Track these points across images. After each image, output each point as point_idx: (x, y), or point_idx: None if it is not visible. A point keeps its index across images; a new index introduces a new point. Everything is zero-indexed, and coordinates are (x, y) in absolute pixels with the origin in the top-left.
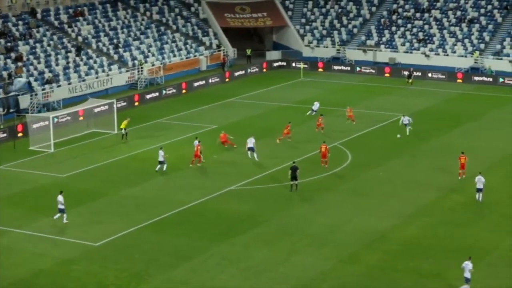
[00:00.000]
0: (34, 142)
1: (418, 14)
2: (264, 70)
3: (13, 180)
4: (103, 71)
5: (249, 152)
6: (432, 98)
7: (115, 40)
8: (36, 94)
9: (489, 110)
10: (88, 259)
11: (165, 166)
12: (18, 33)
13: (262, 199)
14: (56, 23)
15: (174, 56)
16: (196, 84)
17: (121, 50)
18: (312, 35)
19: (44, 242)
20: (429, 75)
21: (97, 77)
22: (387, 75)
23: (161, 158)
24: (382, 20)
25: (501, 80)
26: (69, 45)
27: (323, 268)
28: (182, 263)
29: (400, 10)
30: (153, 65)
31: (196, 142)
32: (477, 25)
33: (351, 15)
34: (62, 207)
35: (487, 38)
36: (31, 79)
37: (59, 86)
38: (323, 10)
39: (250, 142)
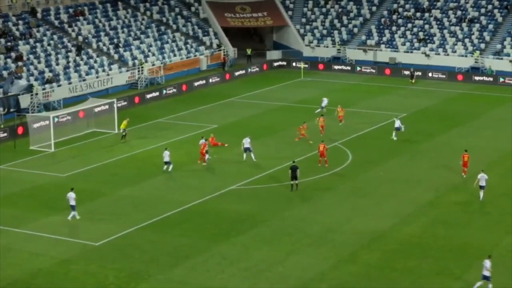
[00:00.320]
0: (35, 142)
1: (418, 14)
2: (265, 69)
3: (13, 180)
4: (104, 70)
5: (245, 154)
6: (432, 98)
7: (115, 40)
8: (36, 94)
9: (489, 110)
10: (87, 259)
11: (171, 167)
12: (18, 33)
13: (262, 199)
14: (56, 22)
15: (175, 55)
16: (196, 83)
17: (121, 49)
18: (312, 34)
19: (43, 242)
20: (430, 74)
21: (97, 77)
22: (387, 74)
23: (167, 159)
24: (383, 19)
25: (501, 79)
26: (70, 44)
27: (322, 268)
28: (182, 263)
29: (400, 9)
30: (153, 64)
31: (203, 140)
32: (477, 25)
33: (352, 14)
34: (73, 203)
35: (487, 38)
36: (31, 78)
37: (59, 85)
38: (323, 9)
39: (246, 143)
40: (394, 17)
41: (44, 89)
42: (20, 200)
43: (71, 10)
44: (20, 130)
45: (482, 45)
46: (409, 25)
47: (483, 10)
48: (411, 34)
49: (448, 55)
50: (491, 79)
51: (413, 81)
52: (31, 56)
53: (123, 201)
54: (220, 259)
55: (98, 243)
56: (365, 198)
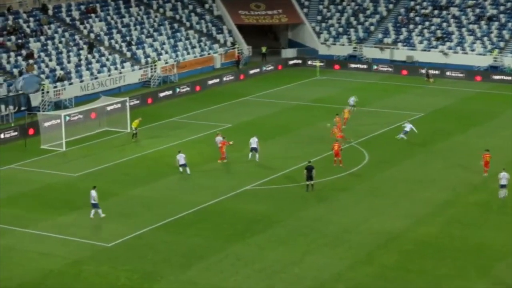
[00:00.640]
0: (46, 141)
1: (436, 12)
2: (279, 68)
3: (23, 180)
4: (116, 68)
5: (250, 154)
6: (449, 97)
7: (128, 37)
8: (47, 92)
9: (508, 109)
10: (99, 260)
11: (188, 169)
12: (29, 30)
13: (277, 199)
14: (67, 19)
15: (188, 53)
16: (210, 82)
17: (134, 47)
18: (328, 32)
19: (53, 243)
20: (447, 73)
21: (109, 75)
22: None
23: (182, 161)
24: (399, 17)
25: None
26: (81, 42)
27: (338, 269)
28: (195, 264)
29: (417, 7)
30: (166, 62)
31: (220, 138)
32: (496, 23)
33: (368, 12)
34: (95, 202)
35: (506, 36)
36: (42, 76)
37: (71, 84)
38: (339, 7)
39: (254, 142)
40: (411, 14)
41: (55, 87)
42: (31, 200)
43: (82, 7)
44: (31, 129)
45: (501, 44)
46: (427, 23)
47: (502, 8)
48: (428, 32)
49: (466, 53)
50: (510, 78)
51: (431, 80)
52: (42, 54)
53: (135, 201)
54: (235, 260)
55: (110, 243)
56: (381, 198)
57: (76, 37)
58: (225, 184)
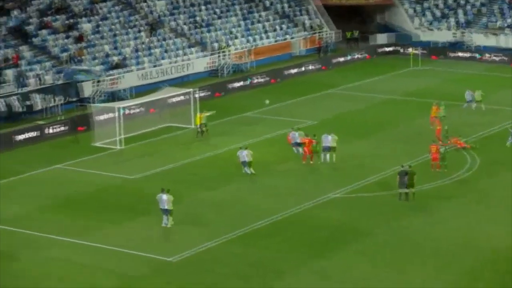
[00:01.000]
0: (99, 137)
1: None
2: (369, 56)
3: (73, 182)
4: (181, 54)
5: (322, 154)
6: None
7: (194, 19)
8: (101, 81)
9: None
10: (160, 276)
11: (249, 169)
12: (79, 9)
13: (367, 208)
14: None
15: (265, 38)
16: (288, 71)
17: (201, 30)
18: (424, 15)
19: (108, 256)
20: None
21: (172, 62)
22: None
23: (246, 158)
24: None
25: None
26: (140, 23)
27: None
28: (271, 281)
29: None
30: (238, 48)
31: (297, 133)
32: None
33: None
34: (168, 207)
35: None
36: (95, 62)
37: (128, 71)
38: None
39: (328, 141)
40: None
41: (110, 75)
42: (81, 205)
43: None
44: (82, 123)
45: None
46: None
47: None
48: None
49: None
50: None
51: None
52: (95, 37)
53: (202, 209)
54: (317, 276)
55: (172, 257)
56: (490, 209)
57: (135, 17)
58: (307, 190)
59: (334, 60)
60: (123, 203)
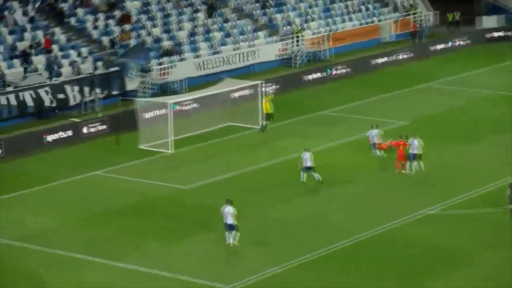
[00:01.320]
0: (146, 139)
1: None
2: (474, 43)
3: (115, 191)
4: (245, 40)
5: (408, 164)
6: None
7: None
8: (149, 71)
9: None
10: None
11: (316, 175)
12: None
13: (470, 228)
14: None
15: (347, 20)
16: (375, 61)
17: (270, 10)
18: None
19: (153, 281)
20: None
21: (235, 49)
22: None
23: (308, 163)
24: None
25: None
26: (198, 2)
27: None
28: None
29: None
30: (315, 33)
31: (376, 131)
32: None
33: None
34: (232, 222)
35: None
36: None
37: (182, 59)
38: None
39: (415, 146)
40: None
41: (160, 64)
42: (124, 220)
43: None
44: (125, 121)
45: None
46: None
47: None
48: None
49: None
50: None
51: None
52: (142, 17)
53: (269, 227)
54: None
55: (231, 285)
56: None
57: None
58: (397, 205)
59: (432, 48)
60: (173, 218)
